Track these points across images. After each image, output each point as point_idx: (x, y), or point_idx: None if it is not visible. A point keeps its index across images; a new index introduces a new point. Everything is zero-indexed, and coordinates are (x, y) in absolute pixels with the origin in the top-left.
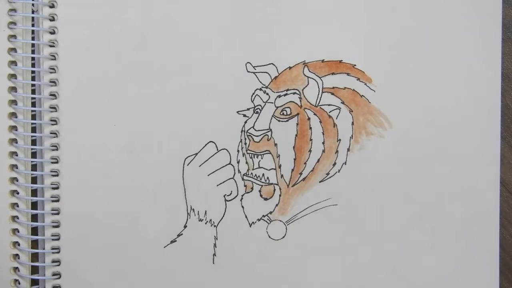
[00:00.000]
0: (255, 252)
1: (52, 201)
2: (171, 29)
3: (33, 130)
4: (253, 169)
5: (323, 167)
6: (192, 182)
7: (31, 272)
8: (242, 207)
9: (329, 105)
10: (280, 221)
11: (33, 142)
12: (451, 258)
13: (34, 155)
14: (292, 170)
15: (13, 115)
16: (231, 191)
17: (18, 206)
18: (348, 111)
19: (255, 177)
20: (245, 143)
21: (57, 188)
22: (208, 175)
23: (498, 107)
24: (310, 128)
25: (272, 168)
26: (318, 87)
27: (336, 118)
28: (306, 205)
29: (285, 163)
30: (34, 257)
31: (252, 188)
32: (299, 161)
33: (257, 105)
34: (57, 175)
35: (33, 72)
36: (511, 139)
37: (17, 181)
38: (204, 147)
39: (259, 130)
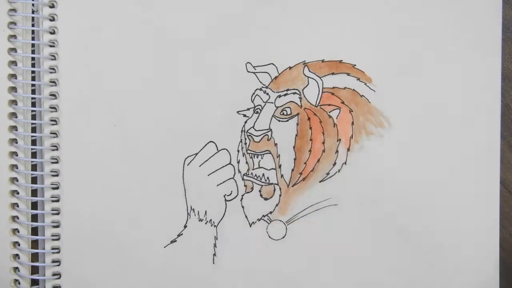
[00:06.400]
0: (255, 252)
1: (52, 201)
2: (171, 29)
3: (33, 130)
4: (253, 169)
5: (323, 167)
6: (192, 182)
7: (31, 272)
8: (242, 207)
9: (329, 105)
10: (280, 221)
11: (33, 142)
12: (451, 257)
13: (34, 155)
14: (292, 170)
15: (13, 115)
16: (231, 191)
17: (18, 206)
18: (348, 111)
19: (255, 177)
20: (245, 143)
21: (57, 188)
22: (208, 175)
23: (498, 107)
24: (310, 128)
25: (272, 168)
26: (318, 87)
27: (336, 118)
28: (306, 205)
29: (285, 163)
30: (34, 257)
31: (252, 188)
32: (299, 161)
33: (257, 105)
34: (57, 175)
35: (33, 72)
36: (511, 139)
37: (17, 181)
38: (204, 147)
39: (259, 130)
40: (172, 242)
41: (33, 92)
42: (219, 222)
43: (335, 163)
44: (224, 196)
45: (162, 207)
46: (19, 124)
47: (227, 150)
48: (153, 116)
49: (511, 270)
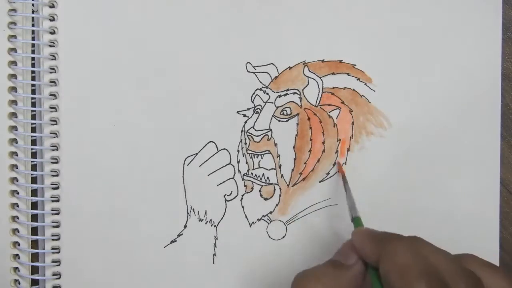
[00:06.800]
0: (255, 252)
1: (52, 201)
2: (171, 29)
3: (33, 130)
4: (253, 169)
5: (323, 167)
6: (192, 182)
7: (31, 272)
8: (242, 207)
9: (329, 105)
10: (280, 221)
11: (33, 142)
12: None
13: (34, 155)
14: (292, 170)
15: (13, 115)
16: (231, 191)
17: (18, 206)
18: (348, 111)
19: (255, 177)
20: (245, 143)
21: (57, 188)
22: (208, 175)
23: (498, 107)
24: (310, 128)
25: (272, 168)
26: (318, 87)
27: (336, 118)
28: (306, 205)
29: (285, 163)
30: (34, 257)
31: (252, 188)
32: (299, 161)
33: (257, 105)
34: (57, 175)
35: (33, 72)
36: (511, 139)
37: (17, 181)
38: (204, 147)
39: (259, 130)
40: (172, 242)
41: (33, 92)
42: (219, 222)
43: (335, 163)
44: (224, 196)
45: (162, 207)
46: (19, 124)
47: (227, 150)
48: (153, 116)
49: (511, 270)
